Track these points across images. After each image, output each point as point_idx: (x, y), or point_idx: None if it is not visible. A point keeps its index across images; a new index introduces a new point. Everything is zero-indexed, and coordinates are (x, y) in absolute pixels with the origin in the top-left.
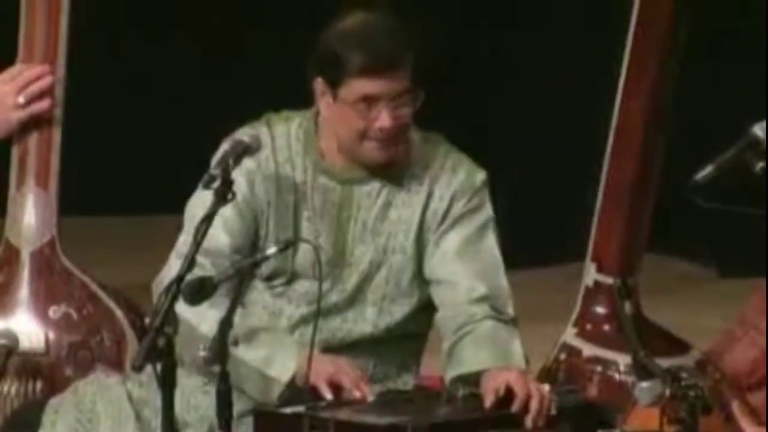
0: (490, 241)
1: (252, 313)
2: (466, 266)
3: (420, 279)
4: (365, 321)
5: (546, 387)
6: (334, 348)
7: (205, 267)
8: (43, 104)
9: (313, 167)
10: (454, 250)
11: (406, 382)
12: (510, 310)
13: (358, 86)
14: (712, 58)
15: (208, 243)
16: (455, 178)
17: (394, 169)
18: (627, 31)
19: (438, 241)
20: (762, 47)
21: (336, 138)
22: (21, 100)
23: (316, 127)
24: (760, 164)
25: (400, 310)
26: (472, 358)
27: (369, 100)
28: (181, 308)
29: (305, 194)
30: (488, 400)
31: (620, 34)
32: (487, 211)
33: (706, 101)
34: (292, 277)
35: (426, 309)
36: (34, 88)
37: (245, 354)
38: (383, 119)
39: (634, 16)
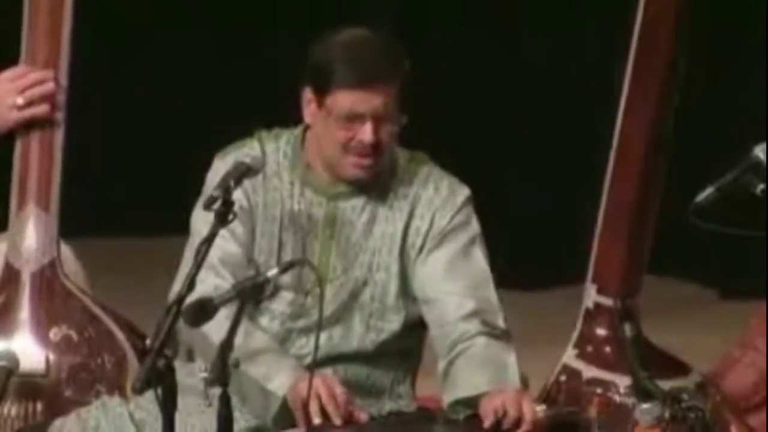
0: (478, 257)
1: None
2: (454, 283)
3: (406, 297)
4: (352, 337)
5: (541, 407)
6: (321, 362)
7: (225, 277)
8: (42, 108)
9: (300, 181)
10: (442, 267)
11: (401, 395)
12: (501, 323)
13: (343, 99)
14: (713, 79)
15: (223, 254)
16: (437, 196)
17: (378, 186)
18: (628, 51)
19: (425, 259)
20: (763, 68)
21: (319, 151)
22: (20, 101)
23: (303, 142)
24: (761, 186)
25: (387, 327)
26: (468, 382)
27: (352, 116)
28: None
29: (291, 208)
30: (487, 422)
31: (621, 55)
32: (473, 227)
33: (707, 122)
34: (275, 290)
35: (416, 326)
36: (36, 91)
37: (248, 369)
38: (365, 133)
39: (635, 38)
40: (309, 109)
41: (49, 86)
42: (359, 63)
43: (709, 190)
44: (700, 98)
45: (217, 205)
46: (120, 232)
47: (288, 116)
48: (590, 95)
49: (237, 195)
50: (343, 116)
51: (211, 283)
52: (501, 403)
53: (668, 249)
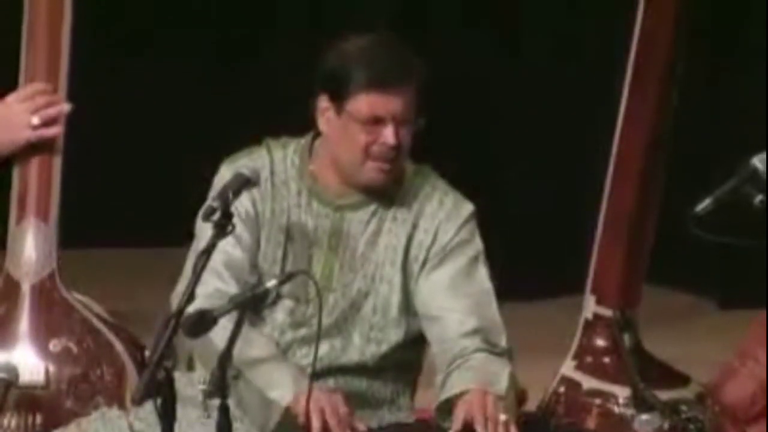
0: (481, 274)
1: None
2: (457, 301)
3: (408, 311)
4: (353, 349)
5: (503, 417)
6: (321, 373)
7: (227, 281)
8: (55, 130)
9: (307, 191)
10: (445, 284)
11: (401, 407)
12: (503, 342)
13: (365, 102)
14: (713, 79)
15: (228, 259)
16: (441, 210)
17: (385, 197)
18: (628, 51)
19: (428, 276)
20: (763, 68)
21: (334, 159)
22: (35, 121)
23: (310, 152)
24: (760, 196)
25: (387, 340)
26: (457, 382)
27: (373, 119)
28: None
29: (298, 218)
30: (455, 425)
31: (621, 55)
32: (477, 244)
33: (707, 122)
34: (276, 299)
35: (416, 340)
36: (51, 112)
37: (248, 376)
38: (387, 136)
39: (635, 39)
40: (324, 117)
41: (63, 108)
42: (378, 66)
43: (707, 201)
44: (700, 98)
45: (215, 216)
46: (119, 242)
47: (288, 119)
48: (590, 95)
49: (244, 202)
50: (363, 120)
51: (212, 286)
52: (468, 407)
53: (666, 258)
